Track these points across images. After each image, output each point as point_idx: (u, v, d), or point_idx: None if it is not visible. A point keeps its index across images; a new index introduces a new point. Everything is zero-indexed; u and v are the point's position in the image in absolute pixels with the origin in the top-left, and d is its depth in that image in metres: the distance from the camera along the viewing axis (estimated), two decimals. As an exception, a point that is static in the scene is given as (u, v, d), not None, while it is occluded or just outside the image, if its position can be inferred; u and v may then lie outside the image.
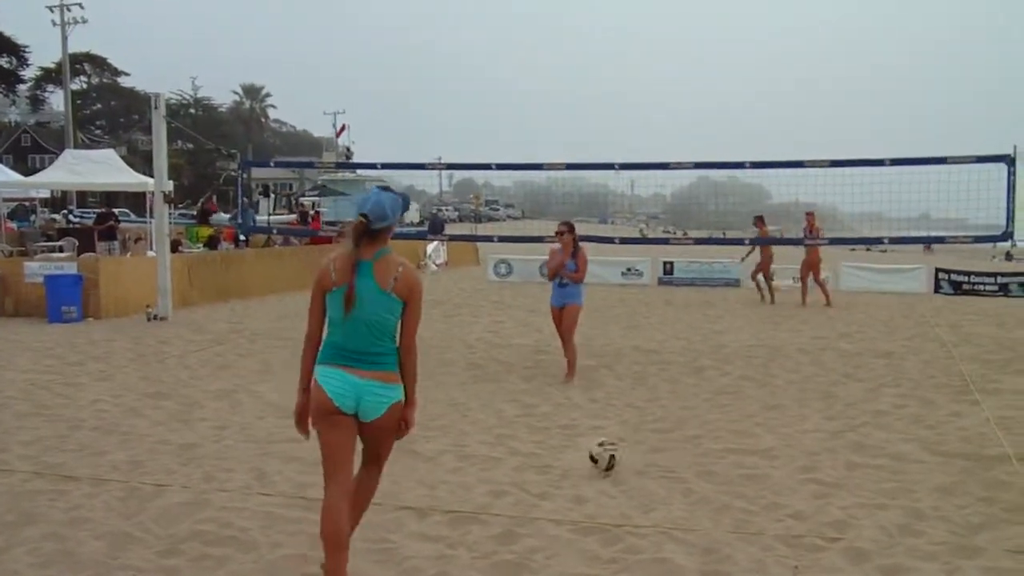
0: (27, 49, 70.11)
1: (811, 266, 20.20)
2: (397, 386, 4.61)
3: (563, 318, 11.08)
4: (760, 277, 21.06)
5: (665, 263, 27.00)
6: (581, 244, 11.13)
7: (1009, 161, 13.30)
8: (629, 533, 5.67)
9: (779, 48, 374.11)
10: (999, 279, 24.43)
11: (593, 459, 6.94)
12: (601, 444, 7.03)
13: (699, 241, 19.54)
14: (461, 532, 5.68)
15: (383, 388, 4.55)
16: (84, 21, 50.87)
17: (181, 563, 5.16)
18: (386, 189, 4.72)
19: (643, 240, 28.33)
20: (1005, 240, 14.11)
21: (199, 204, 35.87)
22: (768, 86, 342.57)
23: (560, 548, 5.41)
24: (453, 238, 26.87)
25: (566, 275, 10.91)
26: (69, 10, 50.33)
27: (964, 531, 5.75)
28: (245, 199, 35.08)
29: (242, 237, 25.45)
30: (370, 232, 4.54)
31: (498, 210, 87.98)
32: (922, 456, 7.56)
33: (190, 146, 72.65)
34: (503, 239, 17.53)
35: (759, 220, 20.65)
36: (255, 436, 8.11)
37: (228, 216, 32.60)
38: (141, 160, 48.23)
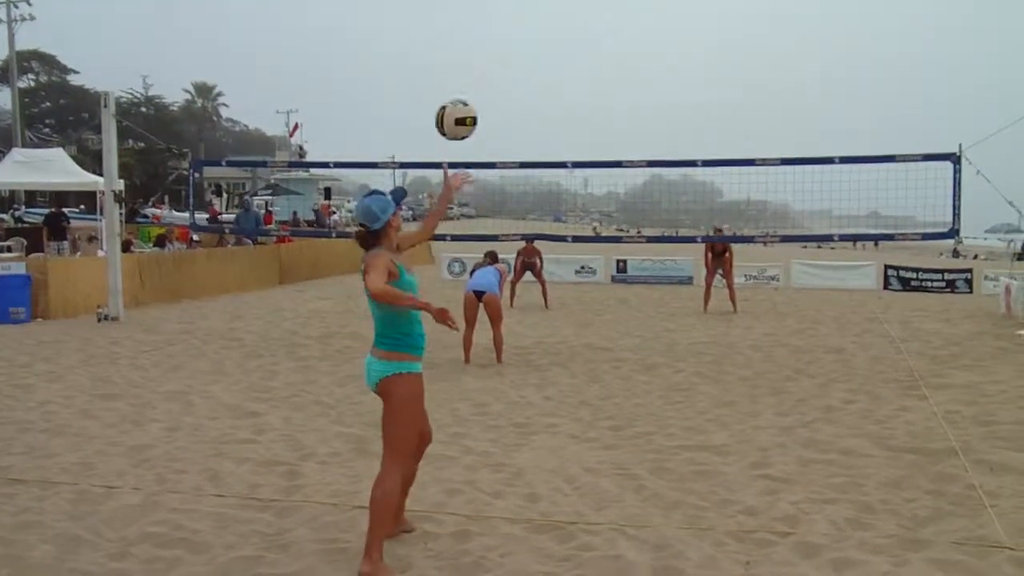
0: (-28, 47, 68.95)
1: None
2: (384, 362, 5.07)
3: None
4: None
5: (619, 261, 27.16)
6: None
7: (955, 159, 13.56)
8: (582, 530, 5.70)
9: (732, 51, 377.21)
10: (946, 275, 24.87)
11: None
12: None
13: (652, 239, 19.61)
14: (416, 531, 5.67)
15: (373, 363, 5.12)
16: (32, 18, 50.04)
17: (132, 566, 5.11)
18: (371, 193, 5.26)
19: (596, 238, 28.42)
20: (951, 237, 14.35)
21: (150, 204, 35.43)
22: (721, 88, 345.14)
23: (514, 546, 5.43)
24: (407, 237, 26.76)
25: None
26: (16, 7, 49.44)
27: (912, 524, 5.84)
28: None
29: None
30: (373, 234, 5.13)
31: (452, 208, 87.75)
32: (871, 451, 7.68)
33: (141, 145, 71.63)
34: (456, 238, 17.46)
35: None
36: (207, 437, 8.04)
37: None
38: (91, 159, 47.57)
